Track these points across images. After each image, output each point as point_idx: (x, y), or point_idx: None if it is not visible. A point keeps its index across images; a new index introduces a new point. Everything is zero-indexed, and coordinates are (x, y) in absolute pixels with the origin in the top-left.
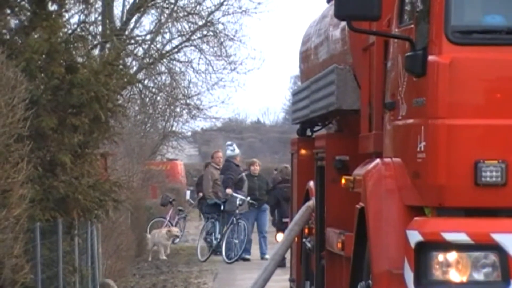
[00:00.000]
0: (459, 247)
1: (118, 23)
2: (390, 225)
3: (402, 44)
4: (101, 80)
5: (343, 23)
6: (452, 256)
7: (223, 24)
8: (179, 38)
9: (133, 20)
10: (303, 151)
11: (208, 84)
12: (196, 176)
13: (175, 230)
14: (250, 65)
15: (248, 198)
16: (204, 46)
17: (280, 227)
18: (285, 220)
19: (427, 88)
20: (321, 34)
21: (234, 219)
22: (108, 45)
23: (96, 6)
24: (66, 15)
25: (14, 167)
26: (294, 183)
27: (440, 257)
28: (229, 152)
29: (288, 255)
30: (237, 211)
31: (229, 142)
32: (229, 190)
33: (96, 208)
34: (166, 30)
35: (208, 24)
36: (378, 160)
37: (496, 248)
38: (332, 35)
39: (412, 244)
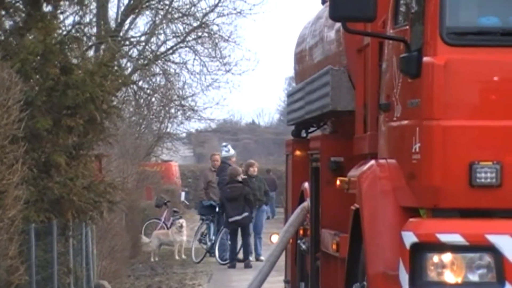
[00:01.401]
0: (454, 248)
1: (112, 24)
2: (385, 226)
3: (397, 45)
4: (96, 81)
5: (338, 24)
6: (447, 257)
7: (217, 25)
8: (174, 39)
9: (128, 21)
10: (298, 152)
11: (202, 85)
12: (191, 178)
13: (180, 221)
14: (245, 66)
15: None
16: (199, 47)
17: (227, 227)
18: (230, 220)
19: (422, 89)
20: (316, 35)
21: None
22: (102, 46)
23: (91, 7)
24: (61, 16)
25: (9, 169)
26: (289, 185)
27: (435, 258)
28: (224, 153)
29: (282, 256)
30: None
31: (224, 143)
32: None
33: (91, 209)
34: (161, 31)
35: (203, 25)
36: (373, 161)
37: (491, 249)
38: (327, 36)
39: (407, 245)
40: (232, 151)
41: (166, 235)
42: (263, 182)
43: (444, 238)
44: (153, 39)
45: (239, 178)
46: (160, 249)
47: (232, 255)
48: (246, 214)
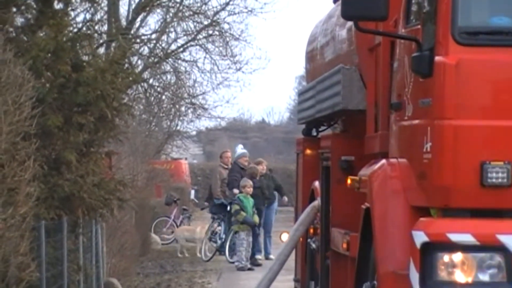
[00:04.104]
0: (465, 248)
1: (124, 22)
2: (395, 225)
3: (408, 45)
4: (107, 79)
5: (350, 23)
6: (458, 257)
7: (228, 23)
8: (185, 37)
9: (139, 19)
10: (308, 151)
11: (213, 84)
12: (201, 176)
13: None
14: (255, 65)
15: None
16: (210, 46)
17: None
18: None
19: (433, 89)
20: (328, 34)
21: None
22: (113, 44)
23: (102, 5)
24: (72, 14)
25: (20, 165)
26: (299, 183)
27: (446, 257)
28: (235, 155)
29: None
30: None
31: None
32: (236, 191)
33: (101, 206)
34: (172, 29)
35: (214, 23)
36: (384, 161)
37: (502, 249)
38: (339, 35)
39: (418, 245)
40: (239, 151)
41: (192, 232)
42: (272, 180)
43: (455, 237)
44: (164, 37)
45: (256, 179)
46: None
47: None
48: None
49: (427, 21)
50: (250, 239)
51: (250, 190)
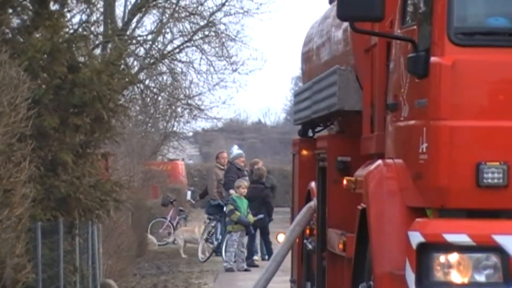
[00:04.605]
0: (461, 248)
1: (119, 23)
2: (391, 226)
3: (404, 45)
4: (103, 80)
5: (345, 24)
6: (454, 257)
7: (224, 24)
8: (181, 38)
9: (135, 20)
10: (304, 152)
11: (209, 85)
12: (197, 177)
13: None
14: (252, 66)
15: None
16: (206, 47)
17: None
18: None
19: (429, 90)
20: (323, 35)
21: None
22: (109, 45)
23: (98, 6)
24: (68, 15)
25: (16, 167)
26: (295, 184)
27: (442, 258)
28: (231, 156)
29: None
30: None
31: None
32: (232, 191)
33: (97, 208)
34: (168, 30)
35: (210, 24)
36: (380, 161)
37: (498, 249)
38: (334, 36)
39: (414, 245)
40: (235, 152)
41: (191, 232)
42: (270, 182)
43: (451, 238)
44: (160, 38)
45: (263, 180)
46: (185, 246)
47: (248, 255)
48: (260, 216)
49: (423, 22)
50: (243, 240)
51: (244, 190)
